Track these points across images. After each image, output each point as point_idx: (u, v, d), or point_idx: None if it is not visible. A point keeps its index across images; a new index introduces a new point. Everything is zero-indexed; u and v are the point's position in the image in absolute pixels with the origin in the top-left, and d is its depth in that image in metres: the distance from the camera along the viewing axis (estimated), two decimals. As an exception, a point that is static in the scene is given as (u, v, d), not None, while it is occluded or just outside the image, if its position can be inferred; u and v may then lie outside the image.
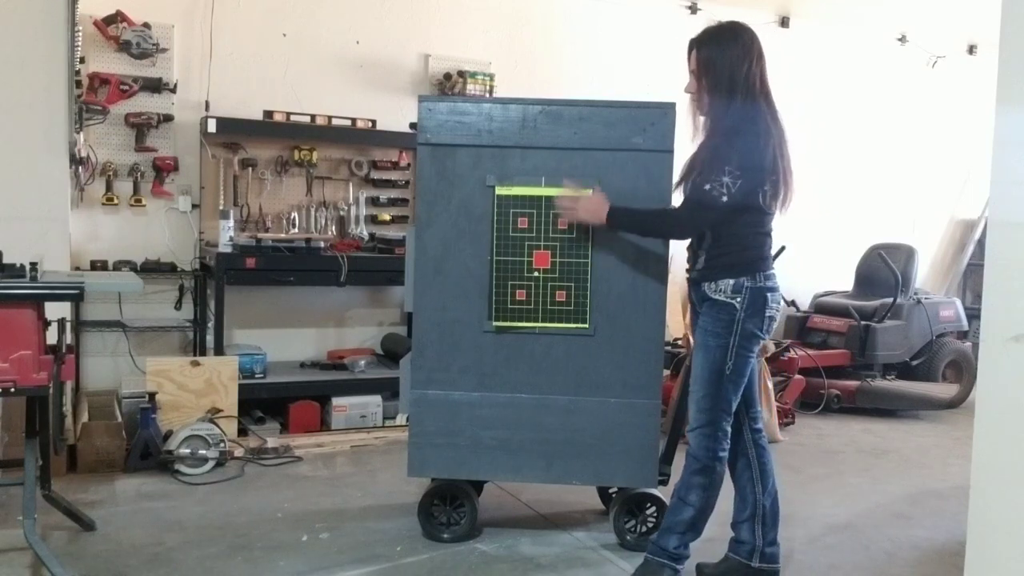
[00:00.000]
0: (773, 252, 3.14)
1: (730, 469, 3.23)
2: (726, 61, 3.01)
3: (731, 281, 3.01)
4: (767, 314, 3.04)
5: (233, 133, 5.21)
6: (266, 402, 5.08)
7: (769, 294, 3.04)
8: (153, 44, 4.99)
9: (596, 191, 3.27)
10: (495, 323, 3.43)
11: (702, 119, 3.10)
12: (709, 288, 3.05)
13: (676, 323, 6.10)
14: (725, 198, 2.93)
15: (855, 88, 7.31)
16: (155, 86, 5.06)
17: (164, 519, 3.69)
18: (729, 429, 3.08)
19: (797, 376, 5.85)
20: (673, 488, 3.17)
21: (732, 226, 3.01)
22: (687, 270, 3.20)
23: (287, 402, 5.06)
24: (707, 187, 2.94)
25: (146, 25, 4.99)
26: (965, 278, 8.08)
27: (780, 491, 3.25)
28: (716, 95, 3.02)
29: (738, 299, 3.00)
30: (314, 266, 5.08)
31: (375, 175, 5.67)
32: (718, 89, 3.01)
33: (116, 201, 5.04)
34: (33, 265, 3.09)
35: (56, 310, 3.40)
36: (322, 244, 5.15)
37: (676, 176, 3.24)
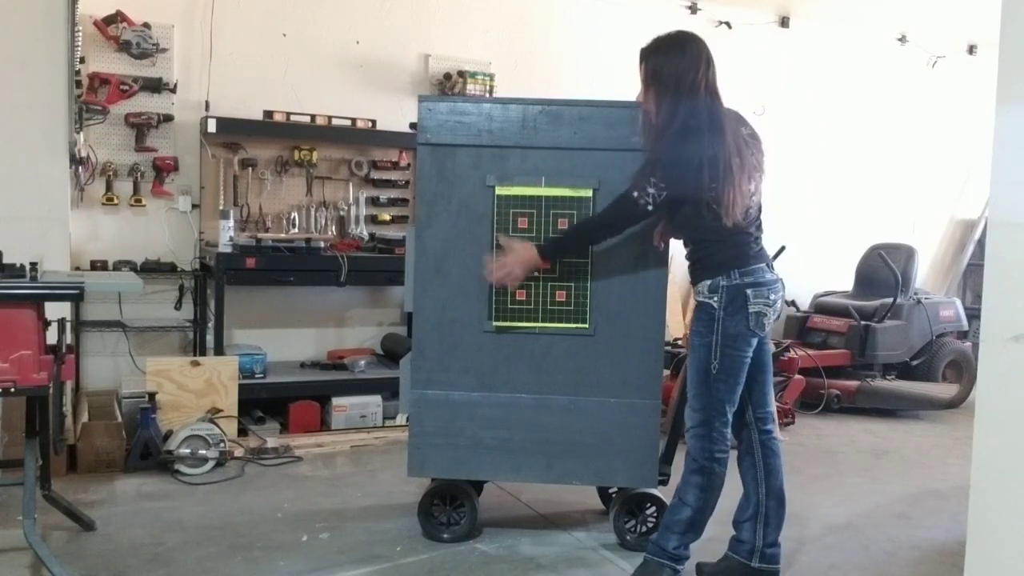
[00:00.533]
0: (771, 252, 3.14)
1: (738, 467, 3.24)
2: (673, 70, 3.03)
3: (708, 281, 3.06)
4: (751, 311, 3.02)
5: (233, 133, 5.21)
6: (266, 402, 5.08)
7: (750, 290, 3.02)
8: (153, 44, 4.99)
9: (510, 245, 3.28)
10: (495, 323, 3.43)
11: (653, 128, 3.12)
12: (695, 290, 3.14)
13: (676, 323, 6.11)
14: (650, 207, 3.02)
15: (855, 88, 7.31)
16: (155, 86, 5.06)
17: (164, 519, 3.69)
18: (726, 430, 3.08)
19: (797, 376, 5.85)
20: (675, 488, 3.18)
21: (700, 230, 3.05)
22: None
23: (287, 402, 5.06)
24: (634, 194, 3.02)
25: (146, 25, 5.00)
26: (965, 278, 8.08)
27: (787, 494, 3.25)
28: (663, 104, 3.04)
29: (715, 298, 3.03)
30: (314, 266, 5.08)
31: (375, 175, 5.67)
32: (664, 98, 3.04)
33: (116, 201, 5.05)
34: (33, 265, 3.09)
35: (56, 310, 3.40)
36: (322, 244, 5.15)
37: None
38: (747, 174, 3.02)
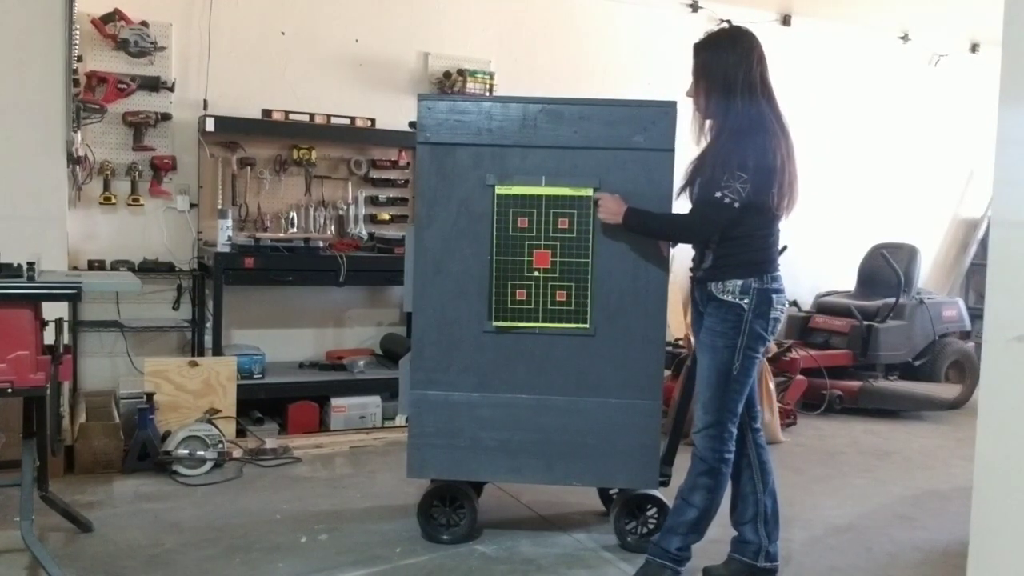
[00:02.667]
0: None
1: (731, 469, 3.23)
2: (723, 64, 3.04)
3: (739, 282, 3.01)
4: (772, 315, 3.04)
5: (231, 132, 5.19)
6: (265, 403, 5.07)
7: (775, 296, 3.04)
8: (151, 42, 4.97)
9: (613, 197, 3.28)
10: (495, 323, 3.42)
11: (705, 123, 3.13)
12: (716, 288, 3.05)
13: (677, 323, 6.09)
14: (737, 203, 2.95)
15: (857, 87, 7.29)
16: (153, 85, 5.04)
17: (162, 520, 3.68)
18: (735, 431, 3.07)
19: (799, 376, 5.83)
20: (677, 489, 3.16)
21: (740, 227, 3.01)
22: (691, 269, 3.20)
23: (286, 403, 5.04)
24: (718, 194, 2.95)
25: (144, 23, 4.98)
26: (968, 278, 8.06)
27: (780, 491, 3.25)
28: (714, 98, 3.05)
29: (746, 300, 3.00)
30: (313, 266, 5.07)
31: (374, 174, 5.66)
32: (715, 92, 3.05)
33: (114, 200, 5.03)
34: (30, 265, 3.08)
35: (53, 310, 3.39)
36: (321, 244, 5.14)
37: (679, 179, 3.23)
38: (799, 174, 3.06)
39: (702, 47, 3.12)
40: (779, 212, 3.04)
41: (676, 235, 3.29)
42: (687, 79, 3.15)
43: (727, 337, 3.01)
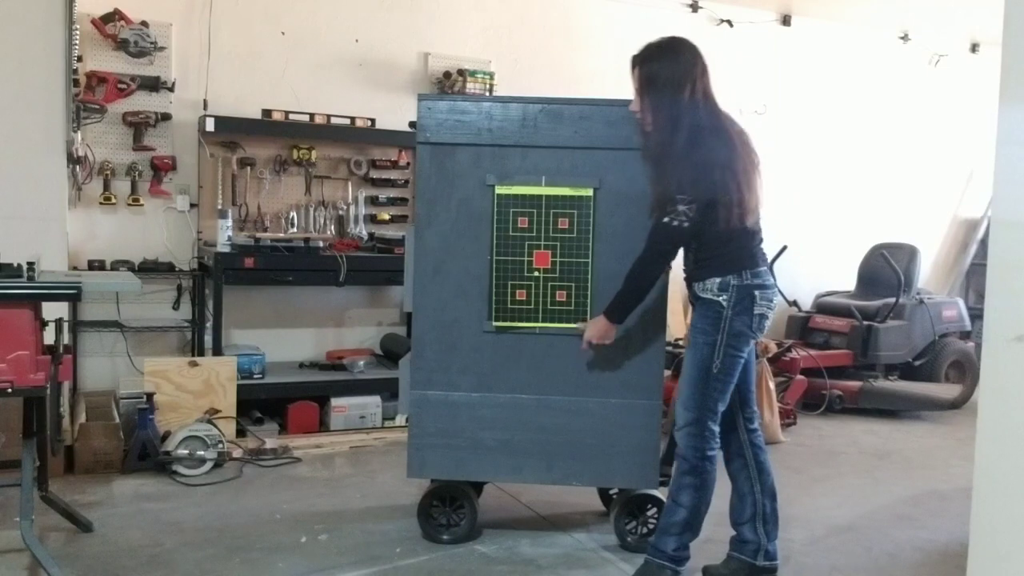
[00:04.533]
0: (772, 251, 3.13)
1: (727, 470, 3.24)
2: (667, 76, 3.00)
3: (717, 280, 3.02)
4: (756, 312, 3.03)
5: (231, 132, 5.19)
6: (265, 403, 5.06)
7: (758, 291, 3.02)
8: (151, 42, 4.98)
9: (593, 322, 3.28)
10: (495, 323, 3.42)
11: (650, 137, 3.08)
12: (698, 287, 3.08)
13: (676, 323, 6.08)
14: (686, 224, 2.96)
15: (857, 87, 7.29)
16: (153, 85, 5.04)
17: (162, 520, 3.68)
18: (716, 428, 3.07)
19: (799, 376, 5.83)
20: (668, 490, 3.17)
21: (713, 232, 3.00)
22: (684, 270, 3.21)
23: (286, 403, 5.04)
24: (665, 219, 2.97)
25: (144, 23, 4.98)
26: (968, 278, 8.05)
27: (780, 491, 3.25)
28: (660, 112, 3.02)
29: (724, 296, 3.01)
30: (313, 266, 5.06)
31: (374, 174, 5.66)
32: (661, 106, 3.01)
33: (114, 200, 5.03)
34: (30, 265, 3.08)
35: (53, 310, 3.39)
36: (321, 244, 5.14)
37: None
38: (757, 173, 3.04)
39: (643, 59, 3.07)
40: (737, 221, 2.98)
41: (649, 275, 3.16)
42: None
43: (707, 334, 3.03)
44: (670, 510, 3.12)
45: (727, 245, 3.02)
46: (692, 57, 3.03)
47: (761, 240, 3.12)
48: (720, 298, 3.02)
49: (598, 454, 3.43)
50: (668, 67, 3.01)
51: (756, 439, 3.22)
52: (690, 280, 3.13)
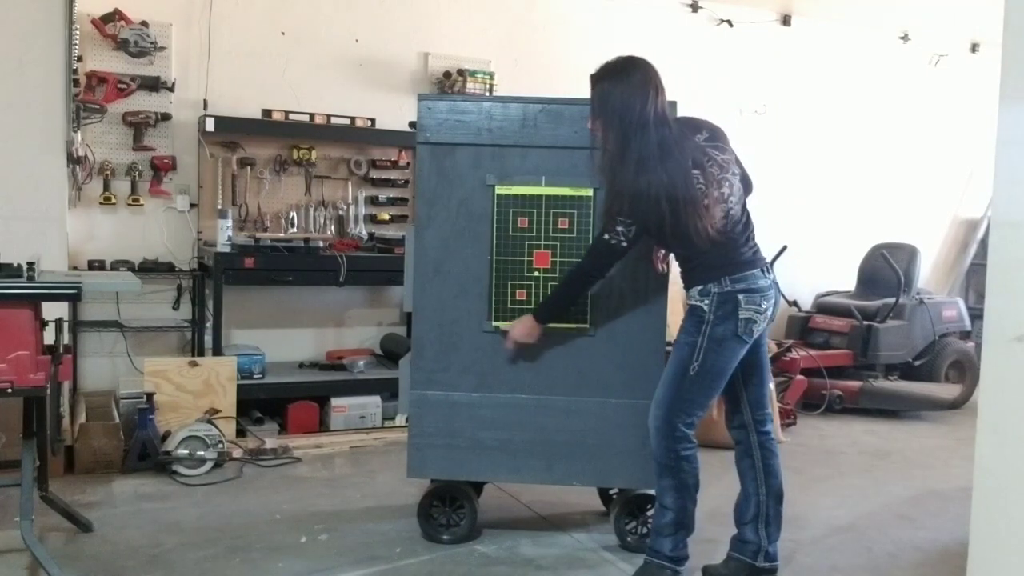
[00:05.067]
0: (771, 252, 3.13)
1: (737, 468, 3.25)
2: (618, 98, 3.01)
3: (699, 287, 3.06)
4: (742, 316, 3.01)
5: (231, 132, 5.19)
6: (265, 403, 5.06)
7: (742, 296, 3.02)
8: (151, 42, 4.97)
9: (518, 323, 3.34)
10: (495, 323, 3.42)
11: (603, 155, 3.09)
12: (686, 293, 3.14)
13: (677, 323, 6.08)
14: (624, 243, 3.04)
15: (857, 87, 7.29)
16: (153, 85, 5.04)
17: (162, 520, 3.67)
18: (689, 431, 3.07)
19: (799, 376, 5.83)
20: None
21: (688, 246, 3.03)
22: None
23: (286, 403, 5.04)
24: (606, 236, 3.05)
25: (144, 23, 4.98)
26: (968, 278, 8.05)
27: (785, 493, 3.24)
28: (611, 130, 3.03)
29: (705, 302, 3.04)
30: (313, 266, 5.06)
31: (374, 174, 5.65)
32: (612, 125, 3.03)
33: (114, 200, 5.03)
34: (30, 265, 3.08)
35: (53, 310, 3.39)
36: (321, 244, 5.14)
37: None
38: (715, 182, 3.00)
39: (597, 79, 3.08)
40: (705, 237, 2.97)
41: (582, 284, 3.25)
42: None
43: (688, 334, 3.06)
44: (658, 513, 3.15)
45: (706, 254, 3.02)
46: (645, 78, 3.02)
47: (749, 244, 3.10)
48: (703, 303, 3.04)
49: (598, 454, 3.43)
50: (620, 88, 3.01)
51: (766, 442, 3.21)
52: (684, 287, 3.18)
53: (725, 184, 3.03)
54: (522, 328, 3.31)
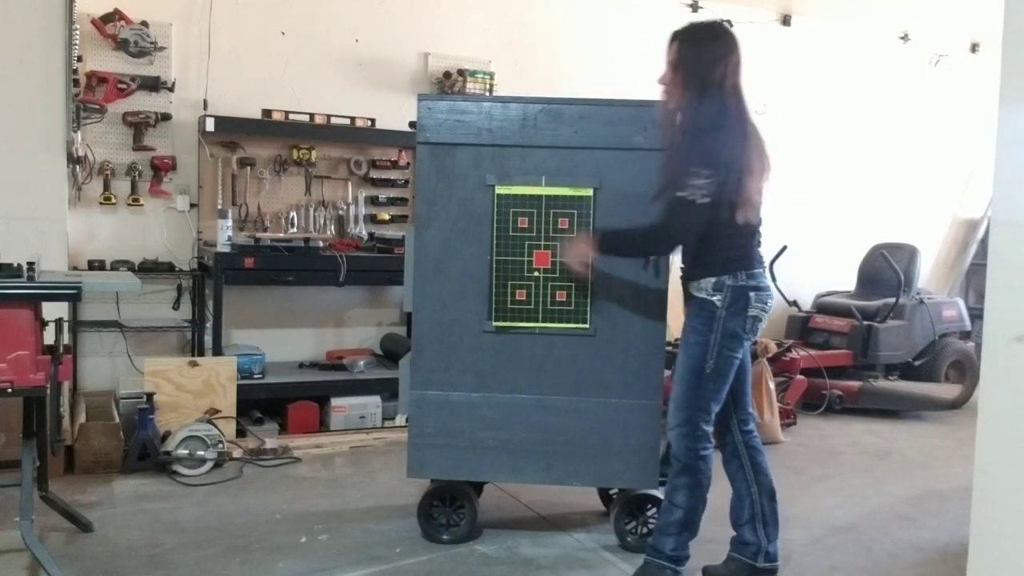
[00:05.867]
0: (771, 252, 3.12)
1: (726, 471, 3.24)
2: (703, 58, 2.99)
3: (712, 279, 3.00)
4: (750, 314, 3.01)
5: (231, 132, 5.19)
6: (265, 403, 5.06)
7: (753, 293, 3.01)
8: (151, 42, 4.98)
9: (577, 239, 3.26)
10: (495, 323, 3.42)
11: (674, 113, 3.06)
12: (693, 286, 3.07)
13: (677, 323, 6.08)
14: (706, 200, 2.88)
15: (857, 86, 7.29)
16: (153, 85, 5.04)
17: (162, 520, 3.68)
18: (709, 429, 3.06)
19: (799, 376, 5.83)
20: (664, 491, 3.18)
21: (712, 225, 2.96)
22: (680, 268, 3.19)
23: (286, 403, 5.04)
24: (681, 194, 2.89)
25: (144, 23, 4.98)
26: (968, 278, 8.06)
27: (780, 491, 3.24)
28: (688, 90, 3.00)
29: (718, 297, 2.99)
30: (313, 266, 5.06)
31: (374, 174, 5.66)
32: (691, 85, 2.99)
33: (114, 200, 5.03)
34: (30, 265, 3.08)
35: (53, 310, 3.39)
36: (321, 244, 5.14)
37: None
38: (765, 173, 3.01)
39: (684, 37, 3.05)
40: (741, 218, 2.95)
41: (654, 245, 3.17)
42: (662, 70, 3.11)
43: (699, 334, 3.01)
44: (666, 510, 3.12)
45: (724, 244, 2.99)
46: (729, 47, 3.02)
47: (760, 242, 3.11)
48: (714, 298, 3.00)
49: (598, 454, 3.43)
50: (707, 49, 3.00)
51: (751, 440, 3.22)
52: (686, 279, 3.11)
53: (767, 174, 3.02)
54: (578, 249, 3.20)
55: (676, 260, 3.26)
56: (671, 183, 2.96)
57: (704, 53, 3.00)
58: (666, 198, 2.99)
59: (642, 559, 3.17)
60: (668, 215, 2.99)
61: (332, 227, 5.52)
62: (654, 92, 3.16)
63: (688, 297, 3.11)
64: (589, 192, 3.35)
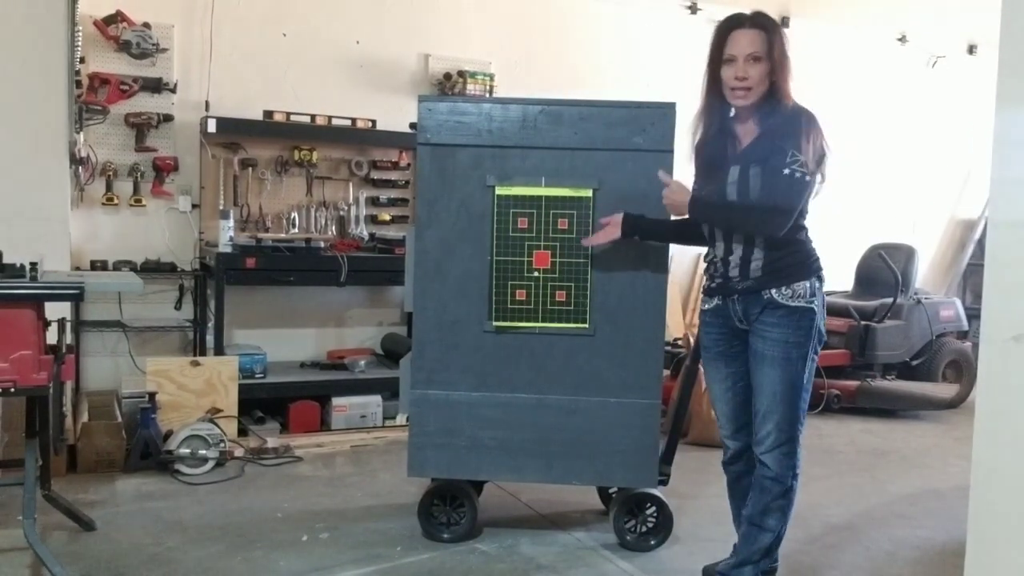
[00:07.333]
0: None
1: (737, 486, 3.16)
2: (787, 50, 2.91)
3: (806, 283, 2.79)
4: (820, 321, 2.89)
5: (233, 133, 5.21)
6: (266, 402, 5.08)
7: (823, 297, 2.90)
8: (153, 44, 4.99)
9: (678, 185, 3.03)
10: (495, 323, 3.43)
11: (749, 107, 2.87)
12: (782, 295, 2.79)
13: (676, 323, 6.10)
14: (808, 177, 2.70)
15: (855, 88, 7.30)
16: (155, 86, 5.06)
17: (164, 519, 3.69)
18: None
19: (797, 376, 5.84)
20: (742, 518, 3.00)
21: (796, 227, 2.82)
22: (719, 284, 2.92)
23: (287, 402, 5.06)
24: (786, 171, 2.68)
25: (146, 25, 5.00)
26: (965, 278, 8.07)
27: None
28: (788, 76, 2.89)
29: (816, 302, 2.80)
30: (314, 266, 5.08)
31: (375, 175, 5.67)
32: (787, 77, 2.89)
33: (116, 201, 5.04)
34: (33, 265, 3.09)
35: (56, 310, 3.40)
36: (322, 244, 5.16)
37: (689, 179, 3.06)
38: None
39: (777, 28, 2.91)
40: (804, 212, 2.83)
41: (757, 224, 2.80)
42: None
43: (801, 346, 2.79)
44: (753, 537, 2.91)
45: (806, 245, 2.85)
46: None
47: None
48: (813, 304, 2.78)
49: (597, 453, 3.45)
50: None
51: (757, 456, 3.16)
52: (758, 288, 2.81)
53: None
54: (679, 195, 2.95)
55: (681, 261, 3.24)
56: (768, 162, 2.74)
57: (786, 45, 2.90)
58: (767, 180, 2.74)
59: (642, 556, 3.16)
60: (774, 193, 2.73)
61: (333, 227, 5.53)
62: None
63: (764, 308, 2.82)
64: (589, 193, 3.37)
